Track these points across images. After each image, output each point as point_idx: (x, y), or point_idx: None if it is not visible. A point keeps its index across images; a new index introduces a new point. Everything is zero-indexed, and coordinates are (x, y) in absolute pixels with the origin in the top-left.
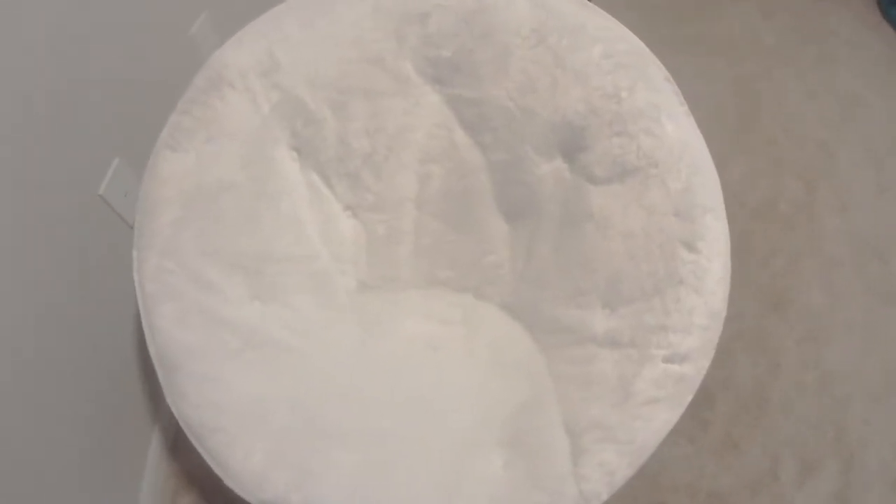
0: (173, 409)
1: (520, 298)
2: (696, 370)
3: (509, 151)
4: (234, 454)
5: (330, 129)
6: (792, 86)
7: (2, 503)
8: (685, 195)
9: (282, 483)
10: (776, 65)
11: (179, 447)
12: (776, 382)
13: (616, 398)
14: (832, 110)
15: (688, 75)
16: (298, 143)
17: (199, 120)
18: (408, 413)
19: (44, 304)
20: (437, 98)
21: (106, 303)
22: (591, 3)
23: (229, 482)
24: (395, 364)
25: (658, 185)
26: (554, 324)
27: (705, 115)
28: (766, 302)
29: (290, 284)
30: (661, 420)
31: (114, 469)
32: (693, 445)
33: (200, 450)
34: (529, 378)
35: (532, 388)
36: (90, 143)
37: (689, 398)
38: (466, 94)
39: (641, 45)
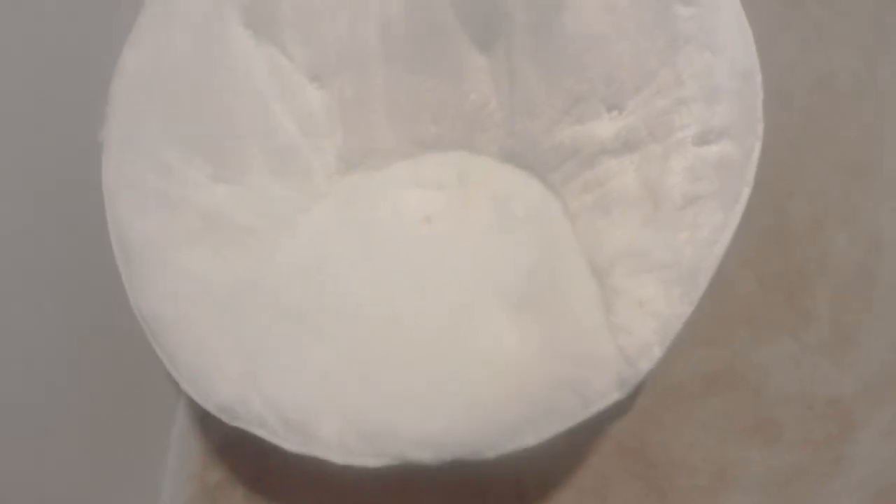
0: (133, 305)
1: (517, 138)
2: (741, 149)
3: None
4: (187, 345)
5: None
6: None
7: (16, 484)
8: None
9: (236, 374)
10: None
11: (208, 422)
12: (881, 259)
13: (646, 210)
14: None
15: None
16: (251, 18)
17: (156, 14)
18: (394, 295)
19: (50, 261)
20: None
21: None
22: None
23: (184, 384)
24: (381, 242)
25: None
26: (559, 153)
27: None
28: (847, 172)
29: (256, 163)
30: (711, 224)
31: (136, 446)
32: (797, 342)
33: (156, 349)
34: (543, 228)
35: (547, 239)
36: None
37: (746, 192)
38: None
39: None
